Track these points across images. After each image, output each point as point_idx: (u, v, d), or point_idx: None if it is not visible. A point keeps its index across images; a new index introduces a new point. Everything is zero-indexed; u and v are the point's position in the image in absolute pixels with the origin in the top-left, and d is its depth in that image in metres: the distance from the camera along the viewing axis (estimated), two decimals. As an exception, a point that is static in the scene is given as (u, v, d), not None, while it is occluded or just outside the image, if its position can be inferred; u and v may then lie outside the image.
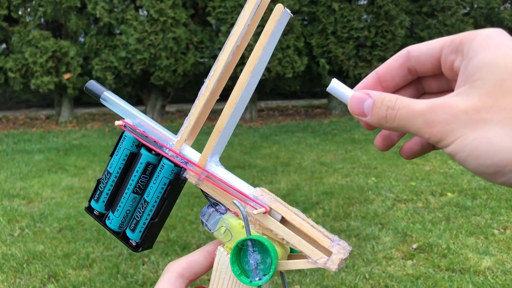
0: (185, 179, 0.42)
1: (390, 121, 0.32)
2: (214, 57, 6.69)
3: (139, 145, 0.42)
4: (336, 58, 6.58)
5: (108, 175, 0.43)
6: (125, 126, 0.42)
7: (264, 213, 0.38)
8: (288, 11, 0.37)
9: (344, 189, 3.37)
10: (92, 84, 0.44)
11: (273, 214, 0.39)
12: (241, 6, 6.30)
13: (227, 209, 0.40)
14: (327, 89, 0.35)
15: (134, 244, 0.43)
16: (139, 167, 0.42)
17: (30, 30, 6.39)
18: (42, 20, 6.63)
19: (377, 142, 0.39)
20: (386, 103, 0.32)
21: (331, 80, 0.36)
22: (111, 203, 0.43)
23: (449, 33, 6.71)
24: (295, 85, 7.26)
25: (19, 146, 5.29)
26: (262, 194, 0.39)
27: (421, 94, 0.38)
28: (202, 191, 0.41)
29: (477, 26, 6.99)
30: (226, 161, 4.36)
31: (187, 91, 7.84)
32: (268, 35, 0.37)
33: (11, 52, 6.53)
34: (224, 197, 0.40)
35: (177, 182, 0.41)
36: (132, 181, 0.42)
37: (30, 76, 6.39)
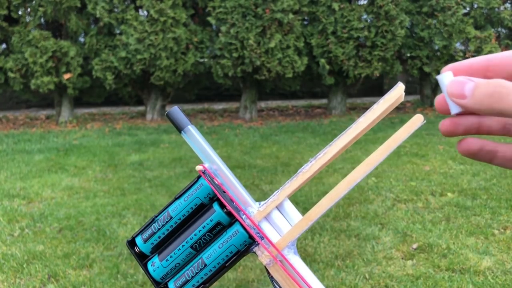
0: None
1: (500, 99, 0.29)
2: (214, 57, 6.70)
3: (213, 198, 0.37)
4: (336, 58, 6.58)
5: (167, 218, 0.38)
6: (204, 172, 0.37)
7: None
8: (424, 120, 0.35)
9: (344, 189, 3.37)
10: (176, 112, 0.39)
11: None
12: (241, 6, 6.30)
13: None
14: (437, 76, 0.33)
15: None
16: (207, 223, 0.37)
17: (30, 30, 6.39)
18: (42, 20, 6.63)
19: (445, 125, 0.34)
20: (495, 82, 0.29)
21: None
22: (159, 248, 0.39)
23: (449, 33, 6.72)
24: (295, 85, 7.26)
25: (19, 146, 5.29)
26: None
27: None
28: (268, 272, 0.37)
29: (477, 26, 6.99)
30: (226, 161, 4.36)
31: (187, 91, 7.84)
32: (397, 142, 0.35)
33: (11, 52, 6.53)
34: None
35: (244, 253, 0.37)
36: (195, 235, 0.37)
37: (30, 76, 6.40)
